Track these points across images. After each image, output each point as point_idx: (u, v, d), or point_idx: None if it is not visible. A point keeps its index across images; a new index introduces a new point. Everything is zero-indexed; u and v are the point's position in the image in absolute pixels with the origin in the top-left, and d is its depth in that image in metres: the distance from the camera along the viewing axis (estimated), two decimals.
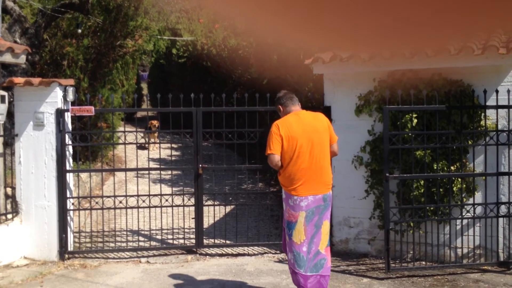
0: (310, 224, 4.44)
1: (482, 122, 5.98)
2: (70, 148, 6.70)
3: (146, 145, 13.97)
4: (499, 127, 5.92)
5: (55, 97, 6.44)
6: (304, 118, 4.57)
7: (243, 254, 6.69)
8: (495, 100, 5.80)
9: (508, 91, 5.78)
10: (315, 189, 4.43)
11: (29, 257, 6.49)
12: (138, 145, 6.89)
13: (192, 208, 6.91)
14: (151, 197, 6.74)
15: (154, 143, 9.53)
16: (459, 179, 6.00)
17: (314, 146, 4.44)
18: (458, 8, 1.03)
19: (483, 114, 5.97)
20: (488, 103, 5.90)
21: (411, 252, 6.16)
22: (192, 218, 6.94)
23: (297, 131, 4.45)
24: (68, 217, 6.59)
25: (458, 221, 6.05)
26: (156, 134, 13.71)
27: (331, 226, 6.67)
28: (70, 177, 6.71)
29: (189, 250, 6.80)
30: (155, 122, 13.83)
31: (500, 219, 5.92)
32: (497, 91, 5.82)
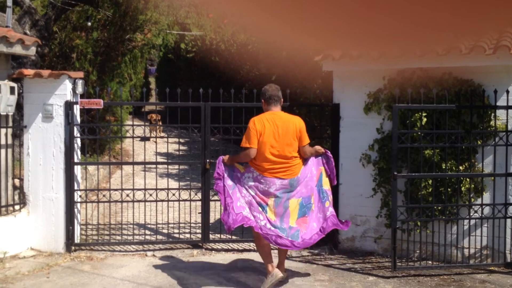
0: (279, 207, 5.22)
1: (492, 122, 5.95)
2: (79, 140, 6.72)
3: (148, 137, 14.03)
4: (509, 127, 5.88)
5: (64, 90, 6.46)
6: (280, 118, 5.32)
7: (249, 250, 6.69)
8: (506, 100, 5.77)
9: None
10: (283, 174, 5.22)
11: (36, 249, 6.52)
12: (140, 137, 6.90)
13: (199, 203, 6.92)
14: (158, 191, 6.75)
15: (156, 137, 9.56)
16: (468, 179, 5.98)
17: (283, 141, 5.23)
18: (468, 8, 1.02)
19: (493, 114, 5.94)
20: (498, 103, 5.86)
21: (417, 251, 6.14)
22: (199, 213, 6.95)
23: (270, 128, 5.24)
24: (75, 209, 6.61)
25: (466, 221, 6.03)
26: (159, 128, 13.73)
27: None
28: (78, 170, 6.73)
29: (195, 245, 6.81)
30: (155, 116, 13.76)
31: (508, 220, 5.89)
32: (507, 92, 5.78)
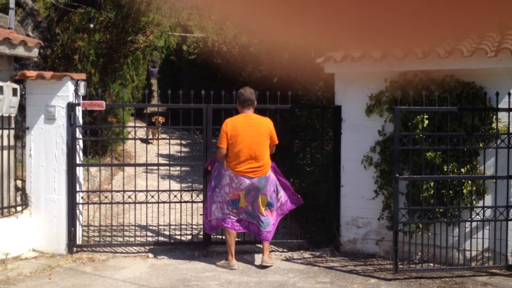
0: (249, 197, 5.92)
1: (494, 125, 5.95)
2: (81, 142, 6.73)
3: (149, 139, 13.99)
4: (511, 130, 5.88)
5: (67, 91, 6.47)
6: (252, 120, 5.95)
7: (250, 252, 6.69)
8: (507, 103, 5.77)
9: None
10: (253, 173, 5.84)
11: (38, 250, 6.53)
12: (142, 139, 6.91)
13: (200, 205, 6.91)
14: (160, 192, 6.76)
15: (158, 139, 9.51)
16: (469, 182, 5.98)
17: (253, 142, 5.83)
18: (471, 9, 1.02)
19: (494, 116, 5.94)
20: (500, 106, 5.86)
21: (419, 253, 6.14)
22: (200, 215, 6.95)
23: (241, 129, 5.85)
24: (77, 211, 6.62)
25: (467, 224, 6.03)
26: (160, 129, 13.69)
27: (339, 225, 6.68)
28: (80, 171, 6.74)
29: (196, 246, 6.81)
30: (161, 118, 13.63)
31: (510, 223, 5.89)
32: (509, 94, 5.78)
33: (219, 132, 5.97)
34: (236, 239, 6.91)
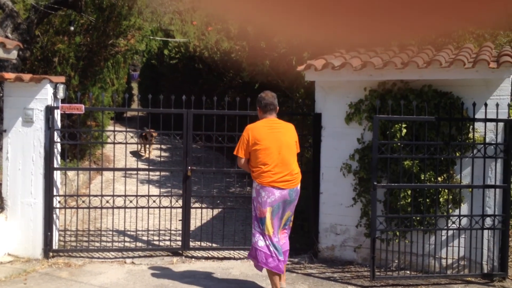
0: (276, 217, 5.07)
1: (470, 135, 6.05)
2: (59, 145, 6.67)
3: (141, 152, 13.79)
4: (487, 140, 5.98)
5: (45, 94, 6.41)
6: (277, 123, 5.23)
7: (229, 258, 6.69)
8: (484, 113, 5.87)
9: (497, 104, 5.85)
10: (283, 184, 5.02)
11: (13, 254, 6.43)
12: (132, 151, 6.86)
13: (179, 210, 6.89)
14: (138, 197, 6.72)
15: (146, 151, 9.36)
16: (446, 190, 6.06)
17: (282, 148, 5.07)
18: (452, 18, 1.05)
19: (471, 126, 6.04)
20: (476, 116, 5.96)
21: (396, 261, 6.19)
22: (179, 220, 6.92)
23: (266, 135, 5.08)
24: (54, 215, 6.55)
25: (444, 232, 6.10)
26: (152, 144, 13.46)
27: (318, 232, 6.71)
28: (57, 175, 6.67)
29: (175, 252, 6.79)
30: (153, 133, 13.02)
31: (485, 231, 5.98)
32: (486, 105, 5.88)
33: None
34: (214, 245, 6.90)
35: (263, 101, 5.24)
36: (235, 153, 5.19)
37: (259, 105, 5.28)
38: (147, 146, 13.61)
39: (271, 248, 5.03)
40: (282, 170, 5.02)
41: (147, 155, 13.44)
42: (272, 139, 5.06)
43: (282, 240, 5.22)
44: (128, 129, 6.85)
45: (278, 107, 5.33)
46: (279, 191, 4.99)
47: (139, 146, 13.59)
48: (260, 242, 5.07)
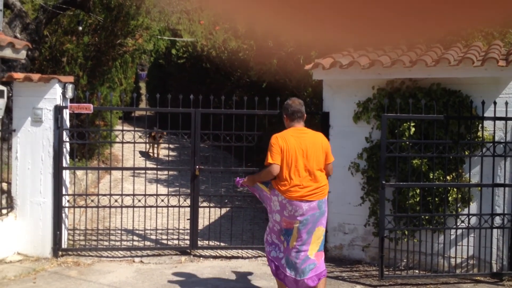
0: (304, 231, 4.69)
1: (479, 133, 6.01)
2: (67, 145, 6.70)
3: (150, 152, 13.84)
4: (496, 138, 5.94)
5: (54, 94, 6.44)
6: (304, 133, 4.86)
7: (237, 257, 6.69)
8: (493, 111, 5.83)
9: (506, 103, 5.81)
10: (311, 196, 4.68)
11: (23, 253, 6.47)
12: (142, 151, 6.88)
13: (187, 209, 6.90)
14: (146, 196, 6.73)
15: (154, 153, 9.35)
16: (455, 189, 6.03)
17: (310, 159, 4.72)
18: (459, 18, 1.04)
19: (480, 125, 6.01)
20: (486, 115, 5.92)
21: (404, 260, 6.17)
22: (187, 219, 6.93)
23: (294, 146, 4.73)
24: (63, 214, 6.58)
25: (453, 231, 6.08)
26: (160, 145, 13.53)
27: (326, 231, 6.69)
28: (66, 174, 6.70)
29: (183, 251, 6.80)
30: (160, 133, 12.98)
31: (494, 230, 5.95)
32: (495, 103, 5.85)
33: (268, 149, 4.84)
34: (222, 244, 6.91)
35: (290, 108, 4.93)
36: (271, 161, 4.70)
37: (285, 112, 4.96)
38: (155, 146, 13.68)
39: (282, 262, 4.81)
40: (310, 182, 4.72)
41: (156, 155, 13.50)
42: (299, 150, 4.74)
43: (317, 263, 4.79)
44: (136, 129, 6.87)
45: (305, 115, 5.01)
46: (307, 204, 4.68)
47: (148, 146, 13.65)
48: (273, 253, 4.89)
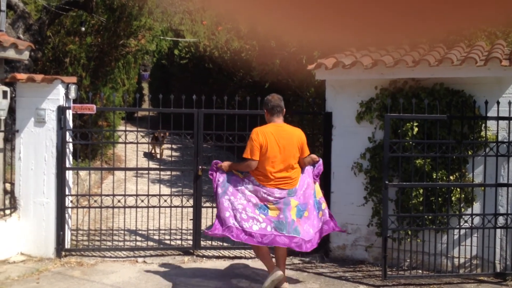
0: (280, 203, 5.26)
1: (483, 133, 6.00)
2: (71, 145, 6.71)
3: (153, 153, 13.80)
4: (499, 138, 5.93)
5: (57, 94, 6.45)
6: (284, 131, 5.37)
7: (240, 257, 6.69)
8: (496, 111, 5.82)
9: (509, 102, 5.80)
10: (282, 185, 5.27)
11: (26, 253, 6.48)
12: (145, 153, 6.88)
13: (190, 209, 6.91)
14: (149, 197, 6.74)
15: (157, 154, 9.31)
16: (458, 189, 6.02)
17: (285, 153, 5.27)
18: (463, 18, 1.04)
19: (483, 125, 5.99)
20: (489, 114, 5.91)
21: (408, 260, 6.16)
22: (190, 220, 6.94)
23: (272, 140, 5.26)
24: (66, 215, 6.59)
25: (456, 231, 6.06)
26: (163, 145, 13.43)
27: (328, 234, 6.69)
28: (69, 175, 6.71)
29: (186, 251, 6.80)
30: (162, 133, 12.90)
31: (498, 230, 5.94)
32: (498, 103, 5.84)
33: (248, 142, 5.35)
34: (225, 244, 6.91)
35: (270, 103, 5.42)
36: (249, 156, 5.24)
37: (265, 107, 5.46)
38: (157, 147, 13.62)
39: (268, 229, 5.17)
40: (284, 174, 5.28)
41: (159, 156, 13.46)
42: (278, 147, 5.26)
43: (301, 228, 5.25)
44: (139, 129, 6.88)
45: (285, 109, 5.47)
46: (279, 191, 5.25)
47: (151, 147, 13.58)
48: (255, 227, 5.19)
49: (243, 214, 5.22)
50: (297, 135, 5.39)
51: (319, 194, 5.61)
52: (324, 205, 5.61)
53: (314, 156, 5.58)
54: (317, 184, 5.62)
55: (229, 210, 5.26)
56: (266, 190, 5.25)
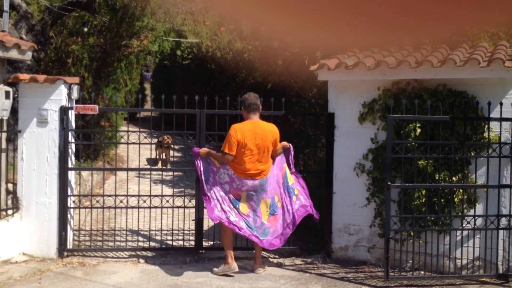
0: (251, 200, 5.94)
1: (485, 134, 5.99)
2: (73, 146, 6.71)
3: (157, 159, 13.46)
4: (502, 139, 5.91)
5: (60, 95, 6.45)
6: (260, 128, 5.92)
7: (242, 258, 6.68)
8: (499, 112, 5.81)
9: None
10: (255, 176, 5.87)
11: (28, 254, 6.49)
12: (149, 159, 6.85)
13: (193, 210, 6.91)
14: (152, 197, 6.74)
15: (163, 159, 9.12)
16: (461, 190, 6.01)
17: (260, 148, 5.86)
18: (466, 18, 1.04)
19: (486, 126, 5.98)
20: (492, 115, 5.90)
21: (410, 261, 6.15)
22: (192, 220, 6.94)
23: (249, 136, 5.83)
24: (68, 215, 6.59)
25: (458, 232, 6.05)
26: (168, 149, 12.83)
27: (331, 232, 6.69)
28: (71, 175, 6.72)
29: (188, 252, 6.80)
30: (167, 138, 12.24)
31: (501, 232, 5.92)
32: (501, 104, 5.82)
33: (227, 137, 5.91)
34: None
35: (247, 101, 6.00)
36: (227, 150, 5.83)
37: (243, 105, 6.04)
38: (162, 151, 13.04)
39: (240, 223, 5.87)
40: (257, 166, 5.88)
41: (166, 164, 12.87)
42: (254, 143, 5.84)
43: (272, 227, 5.99)
44: (141, 130, 6.89)
45: (261, 107, 6.05)
46: (252, 181, 5.88)
47: (156, 152, 13.06)
48: (232, 218, 5.88)
49: (224, 204, 5.89)
50: (271, 131, 5.97)
51: (291, 180, 6.18)
52: (297, 191, 6.17)
53: (284, 143, 6.17)
54: (289, 171, 6.20)
55: (214, 200, 5.91)
56: (240, 181, 5.87)
